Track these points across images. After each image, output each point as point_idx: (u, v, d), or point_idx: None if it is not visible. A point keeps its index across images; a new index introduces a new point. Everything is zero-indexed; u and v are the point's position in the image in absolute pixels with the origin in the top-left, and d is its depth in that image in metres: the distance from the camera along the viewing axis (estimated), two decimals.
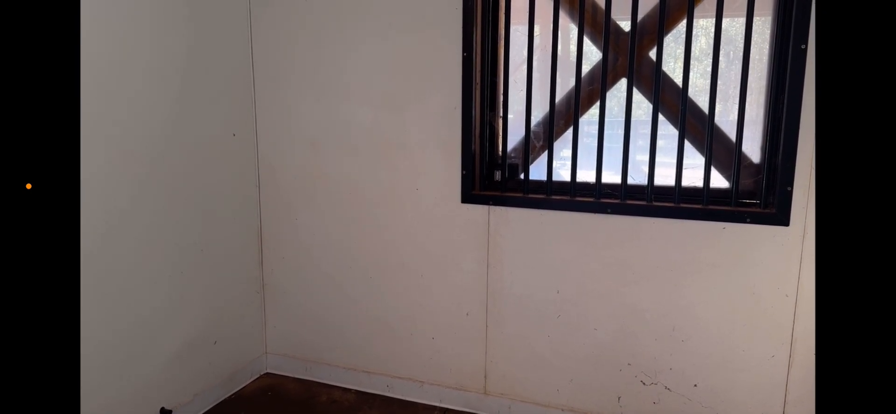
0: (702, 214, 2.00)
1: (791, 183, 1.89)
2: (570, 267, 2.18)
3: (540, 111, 2.23)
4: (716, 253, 2.01)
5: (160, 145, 2.10)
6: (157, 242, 2.12)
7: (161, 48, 2.06)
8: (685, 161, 2.04)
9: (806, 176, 1.88)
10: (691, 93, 2.04)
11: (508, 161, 2.31)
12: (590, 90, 2.16)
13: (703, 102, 2.02)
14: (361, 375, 2.58)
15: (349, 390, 2.59)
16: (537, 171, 2.24)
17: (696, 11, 1.98)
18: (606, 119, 2.10)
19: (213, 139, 2.33)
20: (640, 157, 2.14)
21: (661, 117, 2.05)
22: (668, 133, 2.09)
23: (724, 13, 1.92)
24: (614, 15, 2.08)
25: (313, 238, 2.55)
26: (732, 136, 2.01)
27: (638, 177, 2.13)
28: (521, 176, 2.27)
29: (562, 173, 2.25)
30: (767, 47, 1.98)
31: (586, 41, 2.15)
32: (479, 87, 2.22)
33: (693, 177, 2.06)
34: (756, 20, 1.91)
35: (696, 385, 2.11)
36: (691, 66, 1.98)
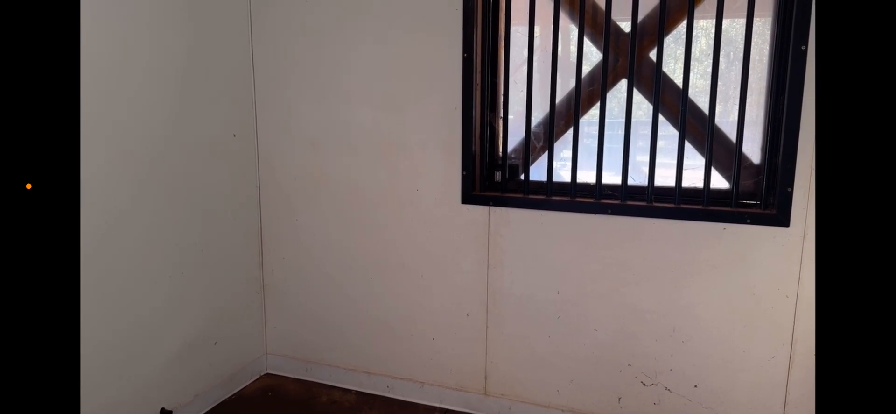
0: (702, 214, 2.00)
1: (791, 184, 1.89)
2: (571, 268, 2.18)
3: (540, 112, 2.23)
4: (716, 254, 2.01)
5: (160, 145, 2.10)
6: (157, 242, 2.12)
7: (161, 48, 2.06)
8: (685, 162, 2.03)
9: (806, 177, 1.88)
10: (691, 94, 2.04)
11: (509, 162, 2.31)
12: (590, 91, 2.16)
13: (703, 103, 2.02)
14: (362, 376, 2.58)
15: (349, 391, 2.59)
16: (537, 172, 2.24)
17: (697, 12, 1.98)
18: (607, 120, 2.10)
19: (214, 139, 2.33)
20: (640, 158, 2.14)
21: (661, 118, 2.05)
22: (669, 134, 2.09)
23: (725, 14, 1.92)
24: (614, 16, 2.08)
25: (313, 238, 2.55)
26: (733, 136, 2.01)
27: (638, 178, 2.13)
28: (522, 176, 2.27)
29: (562, 174, 2.25)
30: (768, 48, 1.98)
31: (586, 42, 2.15)
32: (479, 87, 2.22)
33: (693, 178, 2.06)
34: (756, 21, 1.91)
35: (696, 386, 2.11)
36: (691, 67, 1.98)
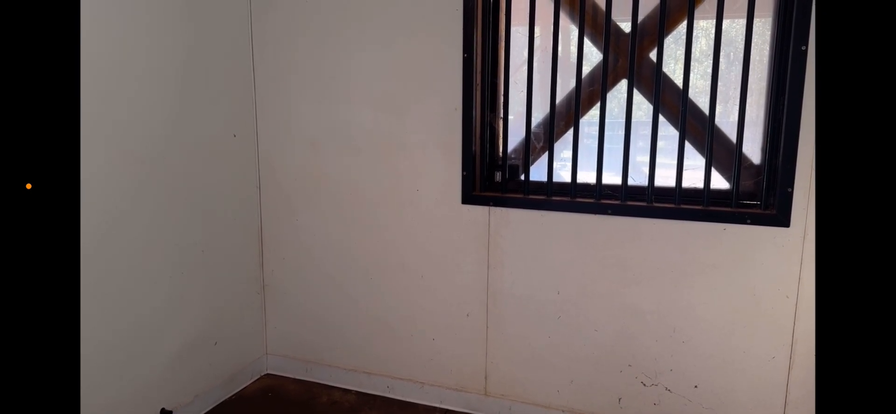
0: (702, 215, 2.00)
1: (791, 184, 1.89)
2: (571, 268, 2.18)
3: (540, 112, 2.23)
4: (716, 254, 2.00)
5: (160, 145, 2.10)
6: (157, 242, 2.12)
7: (161, 48, 2.07)
8: (686, 162, 2.03)
9: (806, 177, 1.88)
10: (692, 94, 2.04)
11: (509, 162, 2.31)
12: (590, 91, 2.16)
13: (703, 104, 2.02)
14: (362, 376, 2.58)
15: (349, 391, 2.59)
16: (538, 173, 2.24)
17: (697, 13, 1.98)
18: (607, 120, 2.10)
19: (214, 139, 2.34)
20: (640, 159, 2.14)
21: (661, 118, 2.05)
22: (669, 134, 2.09)
23: (725, 14, 1.92)
24: (615, 16, 2.08)
25: (314, 239, 2.55)
26: (733, 137, 2.01)
27: (638, 178, 2.13)
28: (522, 177, 2.27)
29: (562, 174, 2.25)
30: (768, 49, 1.98)
31: (587, 42, 2.15)
32: (479, 88, 2.22)
33: (693, 178, 2.06)
34: (756, 21, 1.91)
35: (696, 386, 2.11)
36: (692, 68, 1.98)
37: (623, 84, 2.12)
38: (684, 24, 1.98)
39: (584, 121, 2.18)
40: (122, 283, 2.00)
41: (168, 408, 2.21)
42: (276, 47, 2.46)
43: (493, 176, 2.33)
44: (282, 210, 2.59)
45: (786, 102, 1.86)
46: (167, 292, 2.18)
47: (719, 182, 2.07)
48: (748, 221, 1.95)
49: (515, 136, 2.29)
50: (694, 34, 1.96)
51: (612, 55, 2.12)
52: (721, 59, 1.95)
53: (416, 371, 2.48)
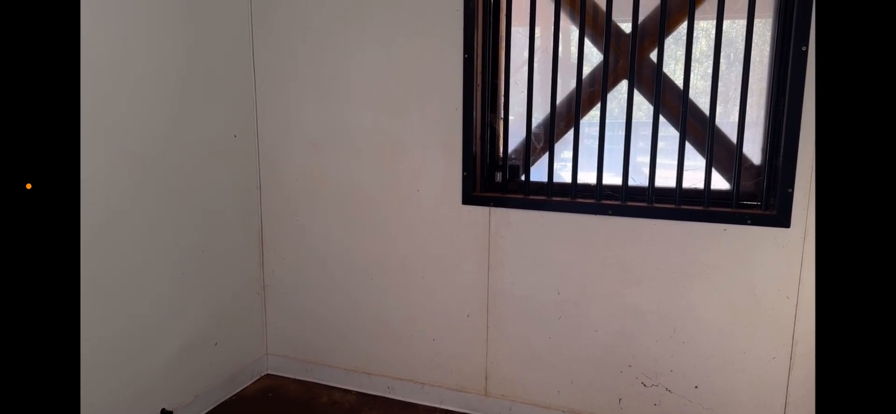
0: (702, 215, 2.00)
1: (792, 185, 1.89)
2: (571, 268, 2.18)
3: (541, 113, 2.23)
4: (716, 254, 2.00)
5: (160, 145, 2.10)
6: (157, 241, 2.12)
7: (161, 48, 2.07)
8: (686, 163, 2.03)
9: (806, 178, 1.88)
10: (692, 95, 2.04)
11: (509, 162, 2.31)
12: (590, 92, 2.16)
13: (703, 104, 2.02)
14: (362, 377, 2.58)
15: (350, 392, 2.58)
16: (538, 173, 2.24)
17: (697, 13, 1.98)
18: (607, 121, 2.10)
19: (214, 139, 2.34)
20: (640, 159, 2.14)
21: (661, 119, 2.05)
22: (669, 135, 2.09)
23: (725, 15, 1.92)
24: (615, 17, 2.08)
25: (314, 239, 2.55)
26: (733, 137, 2.01)
27: (639, 178, 2.13)
28: (522, 177, 2.27)
29: (562, 175, 2.25)
30: (768, 49, 1.98)
31: (587, 43, 2.14)
32: (480, 88, 2.22)
33: (694, 178, 2.06)
34: (757, 22, 1.91)
35: (696, 387, 2.11)
36: (692, 68, 1.98)
37: (623, 84, 2.12)
38: (685, 24, 1.98)
39: (584, 121, 2.18)
40: (123, 283, 2.00)
41: (168, 408, 2.21)
42: (276, 47, 2.46)
43: (493, 176, 2.33)
44: (282, 210, 2.59)
45: (786, 103, 1.86)
46: (167, 292, 2.18)
47: (720, 183, 2.07)
48: (748, 222, 1.95)
49: (516, 136, 2.29)
50: (694, 35, 1.96)
51: (613, 56, 2.12)
52: (721, 60, 1.95)
53: (417, 371, 2.48)
